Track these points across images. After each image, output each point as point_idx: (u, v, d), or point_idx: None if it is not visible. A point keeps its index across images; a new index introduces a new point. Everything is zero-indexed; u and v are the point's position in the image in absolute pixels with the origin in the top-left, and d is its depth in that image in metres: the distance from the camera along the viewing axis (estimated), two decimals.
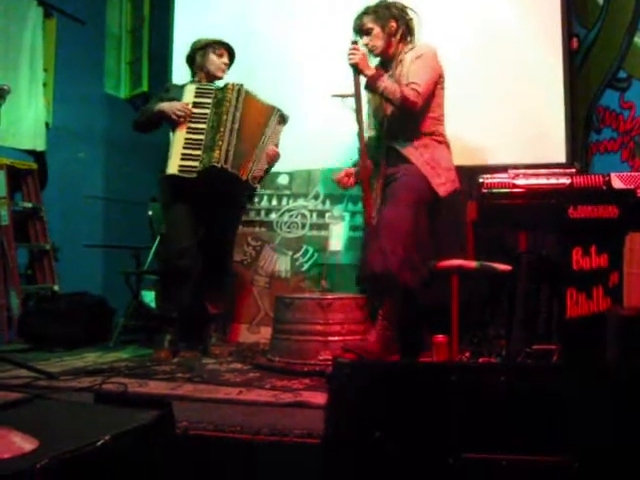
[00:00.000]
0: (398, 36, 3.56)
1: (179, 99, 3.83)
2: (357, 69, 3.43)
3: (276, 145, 3.96)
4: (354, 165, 3.70)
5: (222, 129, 3.70)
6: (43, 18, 5.35)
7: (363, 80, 3.47)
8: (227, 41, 4.03)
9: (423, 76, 3.37)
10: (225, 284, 4.11)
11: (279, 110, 3.95)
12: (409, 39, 3.60)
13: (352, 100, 3.52)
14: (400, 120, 3.48)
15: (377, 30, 3.53)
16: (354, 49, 3.42)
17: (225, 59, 4.00)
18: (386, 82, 3.37)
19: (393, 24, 3.54)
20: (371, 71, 3.41)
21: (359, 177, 3.59)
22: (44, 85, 5.34)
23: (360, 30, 3.57)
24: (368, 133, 3.63)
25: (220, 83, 3.96)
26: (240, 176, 3.73)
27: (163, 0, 5.61)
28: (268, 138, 3.88)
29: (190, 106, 3.78)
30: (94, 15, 5.97)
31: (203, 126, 3.75)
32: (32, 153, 5.16)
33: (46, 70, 5.38)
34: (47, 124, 5.33)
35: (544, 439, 1.58)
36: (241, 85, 3.81)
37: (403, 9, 3.61)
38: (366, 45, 3.54)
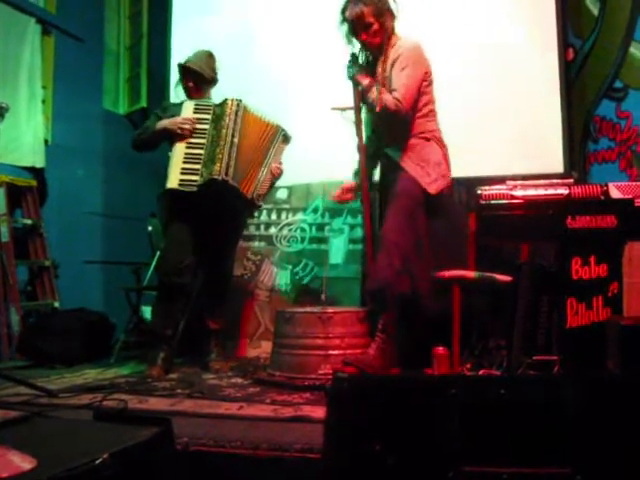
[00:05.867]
0: (391, 31, 3.40)
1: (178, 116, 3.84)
2: (355, 82, 3.41)
3: (280, 163, 3.97)
4: (355, 174, 3.64)
5: (222, 143, 3.70)
6: (41, 36, 5.38)
7: None
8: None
9: (402, 80, 3.26)
10: (225, 299, 4.10)
11: (283, 130, 3.96)
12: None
13: (351, 113, 3.51)
14: (390, 126, 3.43)
15: (376, 26, 3.34)
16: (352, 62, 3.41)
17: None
18: (373, 94, 3.30)
19: (389, 21, 3.38)
20: (366, 82, 3.35)
21: (359, 190, 3.57)
22: (43, 102, 5.37)
23: (357, 21, 3.34)
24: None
25: (216, 98, 3.98)
26: (242, 190, 3.73)
27: (161, 17, 5.65)
28: (272, 157, 3.90)
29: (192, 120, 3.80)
30: (92, 32, 6.00)
31: (202, 141, 3.75)
32: (31, 170, 5.17)
33: (45, 87, 5.40)
34: (46, 141, 5.34)
35: (545, 451, 1.57)
36: (240, 100, 3.81)
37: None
38: (363, 42, 3.39)
